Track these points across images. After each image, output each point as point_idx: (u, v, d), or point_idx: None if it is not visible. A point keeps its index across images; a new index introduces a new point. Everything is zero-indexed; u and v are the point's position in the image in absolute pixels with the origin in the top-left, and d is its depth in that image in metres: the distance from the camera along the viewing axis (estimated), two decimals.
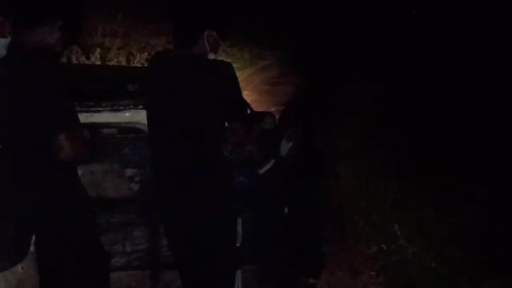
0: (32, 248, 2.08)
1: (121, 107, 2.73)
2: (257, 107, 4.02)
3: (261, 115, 2.86)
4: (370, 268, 4.00)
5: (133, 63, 4.99)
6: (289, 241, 3.01)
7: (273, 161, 2.77)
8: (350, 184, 4.60)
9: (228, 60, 2.61)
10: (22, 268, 1.98)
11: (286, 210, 2.96)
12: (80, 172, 2.35)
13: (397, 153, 4.49)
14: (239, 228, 2.48)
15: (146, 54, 4.98)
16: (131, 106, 2.72)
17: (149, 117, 2.50)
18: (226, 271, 2.49)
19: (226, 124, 2.50)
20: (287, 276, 3.04)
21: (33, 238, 2.11)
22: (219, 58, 2.54)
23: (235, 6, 2.85)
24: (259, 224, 2.72)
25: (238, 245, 2.48)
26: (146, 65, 5.13)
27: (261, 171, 2.74)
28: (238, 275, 2.51)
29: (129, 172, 2.76)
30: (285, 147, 2.87)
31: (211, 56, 2.45)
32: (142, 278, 2.74)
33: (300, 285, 3.29)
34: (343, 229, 4.20)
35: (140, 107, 2.68)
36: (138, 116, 2.69)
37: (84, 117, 2.45)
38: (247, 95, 4.62)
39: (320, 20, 5.07)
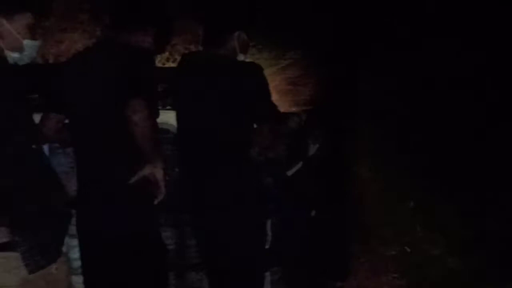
0: (65, 249, 2.12)
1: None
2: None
3: (288, 116, 2.87)
4: (392, 270, 4.00)
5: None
6: (316, 244, 3.01)
7: (301, 162, 2.78)
8: (371, 186, 4.58)
9: (247, 58, 2.59)
10: (56, 268, 2.00)
11: (313, 213, 2.97)
12: None
13: (419, 154, 4.46)
14: (268, 230, 2.49)
15: (167, 53, 4.97)
16: (158, 107, 2.74)
17: (178, 118, 2.52)
18: (255, 273, 2.51)
19: (254, 126, 2.52)
20: (314, 279, 3.04)
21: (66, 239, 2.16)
22: None
23: (264, 6, 2.85)
24: (287, 226, 2.73)
25: (267, 247, 2.49)
26: (166, 64, 5.13)
27: (290, 173, 2.75)
28: (267, 277, 2.52)
29: None
30: (313, 148, 2.88)
31: (241, 57, 2.48)
32: (169, 278, 2.76)
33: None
34: (365, 231, 4.19)
35: (167, 107, 2.70)
36: (165, 117, 2.70)
37: None
38: None
39: (339, 20, 5.03)
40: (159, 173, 2.13)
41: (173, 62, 5.00)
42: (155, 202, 2.20)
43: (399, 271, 3.96)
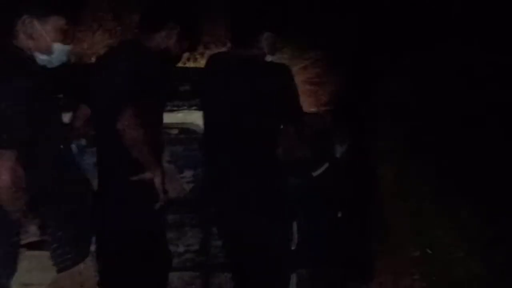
0: (92, 248, 2.15)
1: (174, 108, 2.77)
2: None
3: (314, 117, 2.86)
4: (414, 272, 3.97)
5: None
6: (340, 246, 3.01)
7: (327, 163, 2.77)
8: (391, 186, 4.55)
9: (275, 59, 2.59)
10: (84, 267, 2.04)
11: (340, 214, 2.96)
12: None
13: (442, 154, 4.42)
14: (294, 231, 2.49)
15: (187, 53, 4.97)
16: (184, 107, 2.75)
17: (204, 118, 2.52)
18: (280, 274, 2.49)
19: (282, 127, 2.50)
20: (339, 281, 3.04)
21: (94, 238, 2.19)
22: None
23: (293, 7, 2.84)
24: (313, 227, 2.73)
25: (293, 248, 2.49)
26: (187, 64, 5.12)
27: (315, 174, 2.74)
28: (293, 278, 2.52)
29: (182, 173, 2.80)
30: (339, 149, 2.87)
31: (269, 58, 2.46)
32: (193, 278, 2.78)
33: None
34: (386, 232, 4.17)
35: (193, 108, 2.71)
36: (191, 117, 2.72)
37: None
38: None
39: (360, 20, 5.00)
40: (157, 180, 2.18)
41: (193, 61, 5.02)
42: (156, 207, 2.22)
43: (420, 273, 3.91)
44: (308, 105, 5.12)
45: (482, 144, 4.50)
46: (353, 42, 5.13)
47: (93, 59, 2.51)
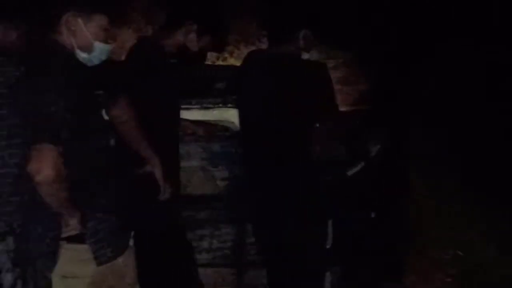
0: (131, 242, 2.18)
1: (210, 105, 2.79)
2: None
3: (348, 116, 2.86)
4: (445, 273, 3.93)
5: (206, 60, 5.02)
6: (373, 245, 2.99)
7: (363, 163, 2.76)
8: (422, 187, 4.52)
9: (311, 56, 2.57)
10: (122, 261, 2.05)
11: (373, 214, 2.95)
12: None
13: (473, 155, 4.37)
14: (329, 230, 2.48)
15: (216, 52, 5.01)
16: (220, 104, 2.77)
17: (240, 116, 2.54)
18: (315, 272, 2.51)
19: (317, 125, 2.52)
20: (373, 281, 3.02)
21: (132, 233, 2.22)
22: None
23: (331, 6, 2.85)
24: (348, 226, 2.72)
25: (328, 246, 2.49)
26: (216, 62, 5.15)
27: (350, 173, 2.74)
28: (328, 277, 2.52)
29: (217, 169, 2.81)
30: (374, 148, 2.86)
31: (305, 55, 2.47)
32: (227, 275, 2.79)
33: None
34: (416, 233, 4.13)
35: (228, 105, 2.72)
36: (226, 114, 2.74)
37: None
38: None
39: (388, 20, 4.96)
40: (158, 172, 2.24)
41: (223, 60, 5.05)
42: (160, 198, 2.28)
43: (452, 275, 3.89)
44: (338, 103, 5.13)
45: None
46: (384, 42, 5.12)
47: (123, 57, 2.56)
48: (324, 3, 2.83)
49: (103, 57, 2.07)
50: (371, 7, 4.84)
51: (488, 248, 4.04)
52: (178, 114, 2.52)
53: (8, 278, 2.05)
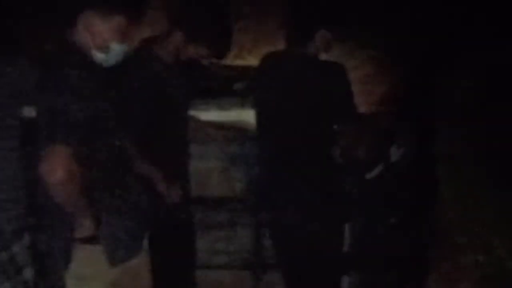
0: (145, 244, 2.19)
1: (228, 106, 2.78)
2: None
3: (371, 118, 2.83)
4: (466, 279, 3.88)
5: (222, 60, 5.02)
6: (395, 251, 2.96)
7: (381, 166, 2.73)
8: (446, 190, 4.46)
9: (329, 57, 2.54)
10: (137, 262, 2.08)
11: (393, 220, 2.91)
12: None
13: (499, 158, 4.30)
14: (347, 234, 2.46)
15: (235, 51, 5.00)
16: (238, 105, 2.76)
17: (258, 116, 2.52)
18: (332, 276, 2.49)
19: (335, 127, 2.49)
20: (391, 286, 2.99)
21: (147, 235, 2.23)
22: None
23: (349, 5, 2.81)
24: (366, 230, 2.69)
25: (345, 250, 2.47)
26: (235, 62, 5.13)
27: (369, 176, 2.70)
28: (345, 281, 2.50)
29: (234, 171, 2.81)
30: (397, 152, 2.81)
31: (323, 56, 2.45)
32: (244, 277, 2.79)
33: None
34: (438, 237, 4.08)
35: (246, 106, 2.71)
36: (244, 115, 2.73)
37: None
38: None
39: (413, 19, 4.90)
40: (159, 185, 2.24)
41: (242, 59, 5.04)
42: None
43: (474, 281, 3.83)
44: (358, 104, 5.08)
45: None
46: (407, 42, 5.06)
47: None
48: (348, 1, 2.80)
49: (120, 58, 2.05)
50: (397, 4, 4.80)
51: (511, 257, 3.98)
52: (185, 117, 2.51)
53: (28, 274, 1.99)
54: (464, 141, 4.62)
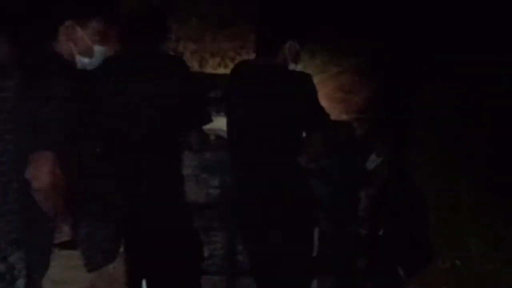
0: (121, 249, 2.25)
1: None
2: None
3: (339, 125, 2.90)
4: (442, 283, 3.99)
5: (206, 67, 5.15)
6: (368, 254, 3.03)
7: (378, 158, 2.79)
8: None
9: (299, 67, 2.61)
10: (114, 267, 2.13)
11: (355, 227, 2.98)
12: None
13: (475, 164, 4.42)
14: (316, 238, 2.53)
15: (218, 58, 5.13)
16: (213, 113, 2.81)
17: (229, 124, 2.60)
18: (303, 280, 2.54)
19: (304, 135, 2.56)
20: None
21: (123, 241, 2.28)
22: None
23: (316, 16, 2.90)
24: (335, 235, 2.76)
25: (314, 254, 2.53)
26: (217, 70, 5.26)
27: (369, 166, 2.76)
28: (314, 284, 2.58)
29: (209, 178, 2.85)
30: (374, 161, 2.90)
31: (292, 66, 2.53)
32: (218, 282, 2.82)
33: None
34: (417, 242, 4.18)
35: (221, 113, 2.76)
36: (219, 123, 2.76)
37: None
38: None
39: (392, 29, 5.02)
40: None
41: (224, 67, 5.14)
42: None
43: (450, 284, 3.94)
44: (338, 111, 5.19)
45: None
46: (386, 51, 5.18)
47: None
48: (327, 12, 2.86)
49: (101, 60, 2.15)
50: (375, 17, 4.92)
51: (489, 259, 4.10)
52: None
53: (20, 284, 2.05)
54: (438, 148, 4.75)
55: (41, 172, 1.83)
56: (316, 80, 2.52)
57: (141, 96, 2.28)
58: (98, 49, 2.11)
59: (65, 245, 2.02)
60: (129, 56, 2.34)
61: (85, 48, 2.07)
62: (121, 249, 2.26)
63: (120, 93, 2.31)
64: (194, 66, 5.28)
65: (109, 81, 2.28)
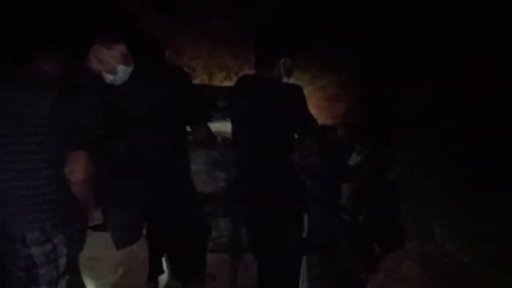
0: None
1: (213, 119, 2.82)
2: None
3: (325, 129, 2.90)
4: (411, 259, 3.98)
5: (214, 81, 5.16)
6: (348, 235, 3.02)
7: (358, 156, 2.78)
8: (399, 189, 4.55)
9: (292, 80, 2.58)
10: (137, 246, 2.15)
11: (361, 218, 2.97)
12: None
13: (444, 163, 4.41)
14: (305, 223, 2.52)
15: (224, 73, 5.13)
16: (221, 118, 2.80)
17: (233, 128, 2.60)
18: (294, 257, 2.54)
19: (295, 136, 2.55)
20: (343, 266, 3.05)
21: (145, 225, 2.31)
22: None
23: (305, 38, 2.89)
24: (320, 220, 2.75)
25: (304, 236, 2.52)
26: (224, 83, 5.24)
27: (352, 162, 2.76)
28: (304, 261, 2.58)
29: (216, 172, 2.84)
30: (355, 159, 2.89)
31: (285, 79, 2.53)
32: (225, 259, 2.81)
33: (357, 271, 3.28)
34: (390, 226, 4.18)
35: (227, 119, 2.76)
36: (226, 127, 2.76)
37: None
38: None
39: (371, 48, 5.00)
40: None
41: (229, 80, 5.15)
42: None
43: (418, 261, 3.94)
44: (325, 117, 5.21)
45: (477, 151, 4.45)
46: (365, 67, 5.17)
47: None
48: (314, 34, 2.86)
49: (126, 78, 2.17)
50: (355, 40, 4.91)
51: (449, 240, 4.10)
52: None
53: (62, 260, 2.10)
54: (414, 147, 4.74)
55: (77, 169, 1.85)
56: (306, 91, 2.50)
57: (151, 101, 2.29)
58: (121, 68, 2.12)
59: (97, 228, 2.05)
60: (139, 71, 2.34)
61: (110, 67, 2.10)
62: (144, 231, 2.28)
63: (135, 100, 2.30)
64: (204, 79, 5.30)
65: (125, 91, 2.28)
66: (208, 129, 2.49)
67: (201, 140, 2.48)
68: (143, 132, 2.30)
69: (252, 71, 2.57)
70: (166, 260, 2.47)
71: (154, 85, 2.28)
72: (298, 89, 2.49)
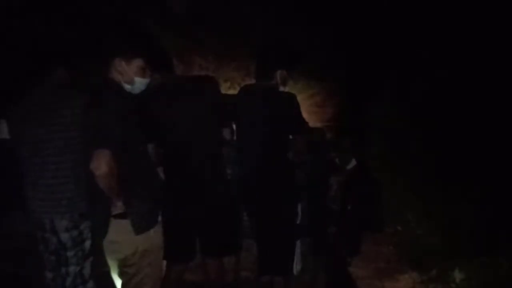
0: (159, 219, 2.20)
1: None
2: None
3: (314, 130, 2.88)
4: (388, 243, 3.98)
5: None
6: (336, 222, 3.00)
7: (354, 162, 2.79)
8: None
9: (287, 88, 2.58)
10: (154, 232, 2.10)
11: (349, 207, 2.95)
12: None
13: (416, 158, 4.40)
14: (299, 210, 2.51)
15: (229, 83, 5.11)
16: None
17: (237, 129, 2.59)
18: (289, 240, 2.54)
19: (290, 137, 2.55)
20: (332, 250, 3.03)
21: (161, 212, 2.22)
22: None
23: (298, 53, 2.90)
24: (313, 209, 2.74)
25: (297, 222, 2.52)
26: (229, 91, 5.22)
27: (348, 167, 2.76)
28: (298, 244, 2.55)
29: None
30: (341, 157, 2.87)
31: (281, 88, 2.52)
32: None
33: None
34: (369, 213, 4.14)
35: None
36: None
37: None
38: None
39: (355, 60, 5.00)
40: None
41: (233, 89, 5.14)
42: None
43: (394, 243, 3.93)
44: (314, 121, 5.20)
45: (449, 149, 4.40)
46: (348, 77, 5.19)
47: None
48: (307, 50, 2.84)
49: (143, 88, 2.11)
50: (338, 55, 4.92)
51: (421, 226, 4.08)
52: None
53: (87, 244, 2.10)
54: (390, 145, 4.74)
55: (101, 164, 1.83)
56: (298, 99, 2.49)
57: (183, 108, 2.27)
58: (138, 80, 2.07)
59: (119, 216, 2.01)
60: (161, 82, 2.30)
61: (128, 78, 2.05)
62: (159, 218, 2.20)
63: (166, 108, 2.30)
64: None
65: (156, 100, 2.27)
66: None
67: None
68: (187, 134, 2.28)
69: (253, 81, 2.57)
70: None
71: (198, 93, 2.27)
72: (292, 96, 2.47)
